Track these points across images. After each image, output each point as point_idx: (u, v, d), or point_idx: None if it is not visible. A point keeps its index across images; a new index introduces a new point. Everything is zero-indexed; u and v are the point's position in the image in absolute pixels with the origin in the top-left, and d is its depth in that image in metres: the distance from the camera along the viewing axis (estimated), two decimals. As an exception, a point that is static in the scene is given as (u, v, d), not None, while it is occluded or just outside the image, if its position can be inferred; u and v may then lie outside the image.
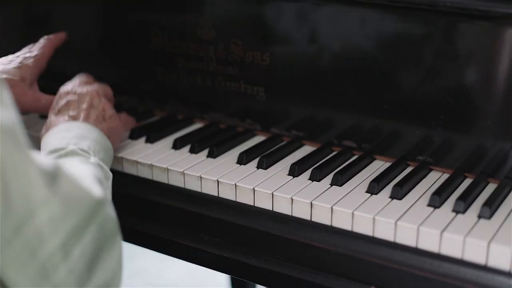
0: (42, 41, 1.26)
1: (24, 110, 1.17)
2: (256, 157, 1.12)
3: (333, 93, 1.14)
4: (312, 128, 1.18)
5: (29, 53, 1.22)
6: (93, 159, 0.92)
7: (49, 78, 1.50)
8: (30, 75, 1.18)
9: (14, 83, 1.14)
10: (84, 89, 1.09)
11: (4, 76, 1.14)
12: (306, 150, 1.17)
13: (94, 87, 1.11)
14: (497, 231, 0.89)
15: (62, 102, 1.06)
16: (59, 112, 1.05)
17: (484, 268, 0.86)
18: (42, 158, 0.70)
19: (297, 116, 1.19)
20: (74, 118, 1.03)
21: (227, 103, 1.25)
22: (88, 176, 0.82)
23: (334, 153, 1.15)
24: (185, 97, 1.30)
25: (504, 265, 0.85)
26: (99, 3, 1.37)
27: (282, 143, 1.19)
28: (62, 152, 0.91)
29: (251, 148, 1.15)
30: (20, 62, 1.19)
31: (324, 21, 1.12)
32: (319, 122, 1.17)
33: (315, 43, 1.14)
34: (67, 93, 1.08)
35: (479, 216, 0.92)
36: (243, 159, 1.11)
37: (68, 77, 1.47)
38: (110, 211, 0.78)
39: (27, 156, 0.68)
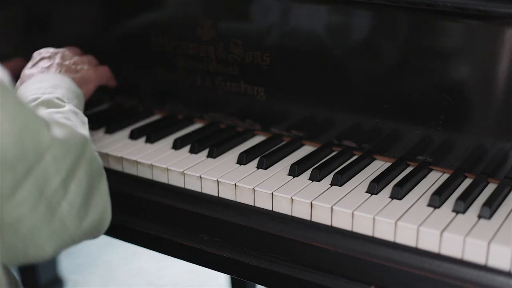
0: None
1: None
2: (256, 157, 1.12)
3: (333, 93, 1.14)
4: (312, 128, 1.18)
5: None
6: (68, 106, 0.98)
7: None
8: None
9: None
10: (55, 50, 1.18)
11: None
12: (306, 150, 1.17)
13: (64, 48, 1.20)
14: (497, 231, 0.89)
15: (36, 59, 1.15)
16: (33, 66, 1.13)
17: (484, 268, 0.86)
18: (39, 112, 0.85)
19: (297, 116, 1.19)
20: (48, 69, 1.12)
21: (227, 103, 1.25)
22: (70, 123, 0.91)
23: (334, 153, 1.15)
24: (185, 97, 1.30)
25: (504, 265, 0.85)
26: (99, 3, 1.37)
27: (282, 143, 1.19)
28: (38, 101, 0.97)
29: (251, 148, 1.15)
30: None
31: (324, 21, 1.12)
32: (319, 122, 1.17)
33: (315, 43, 1.14)
34: (40, 53, 1.17)
35: (479, 216, 0.92)
36: (243, 159, 1.11)
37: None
38: (94, 151, 0.89)
39: (30, 109, 0.78)
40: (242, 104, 1.23)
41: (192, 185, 1.08)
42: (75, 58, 1.18)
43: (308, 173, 1.06)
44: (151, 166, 1.12)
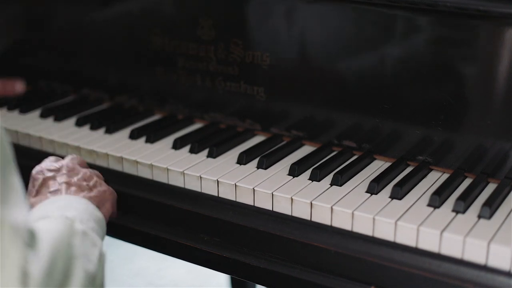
0: None
1: None
2: (256, 157, 1.12)
3: (333, 93, 1.14)
4: (312, 128, 1.18)
5: None
6: (79, 226, 0.84)
7: (50, 78, 1.50)
8: None
9: None
10: (57, 163, 1.01)
11: None
12: (306, 150, 1.17)
13: (67, 159, 1.04)
14: (497, 231, 0.88)
15: (38, 182, 0.98)
16: (38, 193, 0.97)
17: (484, 268, 0.86)
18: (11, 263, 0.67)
19: (297, 116, 1.19)
20: (56, 193, 0.95)
21: (227, 103, 1.25)
22: (47, 248, 0.73)
23: (334, 153, 1.15)
24: (185, 97, 1.30)
25: (504, 265, 0.85)
26: (99, 3, 1.37)
27: (282, 143, 1.19)
28: (47, 215, 0.84)
29: (251, 148, 1.15)
30: None
31: (324, 21, 1.12)
32: (319, 122, 1.17)
33: (315, 43, 1.14)
34: (40, 172, 1.00)
35: (479, 216, 0.92)
36: (243, 159, 1.11)
37: (68, 77, 1.48)
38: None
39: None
40: (242, 104, 1.23)
41: (192, 185, 1.08)
42: (83, 172, 1.01)
43: (308, 173, 1.06)
44: (151, 166, 1.12)
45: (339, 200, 0.98)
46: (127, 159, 1.14)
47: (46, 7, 1.43)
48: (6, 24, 1.50)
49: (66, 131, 1.26)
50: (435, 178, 1.06)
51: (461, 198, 0.95)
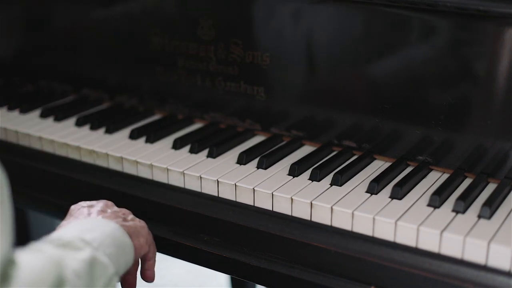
0: None
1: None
2: (256, 157, 1.12)
3: (333, 93, 1.14)
4: (312, 128, 1.18)
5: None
6: (88, 252, 0.81)
7: (50, 78, 1.50)
8: None
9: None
10: (93, 202, 1.01)
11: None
12: (306, 150, 1.17)
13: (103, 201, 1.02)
14: (497, 231, 0.88)
15: (74, 212, 0.98)
16: (71, 217, 0.97)
17: (484, 268, 0.86)
18: None
19: (297, 116, 1.19)
20: (90, 215, 0.96)
21: (227, 103, 1.25)
22: (23, 279, 0.70)
23: (334, 153, 1.15)
24: (185, 97, 1.30)
25: (504, 265, 0.85)
26: (99, 3, 1.37)
27: (282, 143, 1.19)
28: (59, 243, 0.81)
29: (251, 148, 1.15)
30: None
31: (323, 21, 1.11)
32: (319, 122, 1.17)
33: (315, 43, 1.14)
34: (78, 205, 1.00)
35: (479, 216, 0.92)
36: (243, 159, 1.11)
37: (68, 77, 1.48)
38: None
39: None
40: (242, 104, 1.23)
41: (192, 185, 1.08)
42: (120, 208, 1.01)
43: (308, 173, 1.06)
44: (151, 166, 1.12)
45: (339, 200, 0.98)
46: (127, 159, 1.14)
47: (46, 7, 1.43)
48: (6, 24, 1.50)
49: (66, 131, 1.26)
50: (435, 178, 1.06)
51: (461, 198, 0.95)
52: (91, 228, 0.87)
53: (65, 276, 0.75)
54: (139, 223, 0.99)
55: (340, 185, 1.03)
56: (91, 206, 0.99)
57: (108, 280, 0.83)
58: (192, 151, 1.15)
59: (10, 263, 0.68)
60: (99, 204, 0.99)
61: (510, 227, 0.89)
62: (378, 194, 1.00)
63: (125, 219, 0.97)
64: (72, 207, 1.00)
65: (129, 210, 1.07)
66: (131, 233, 0.94)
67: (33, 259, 0.74)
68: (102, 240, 0.85)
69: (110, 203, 1.01)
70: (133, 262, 0.95)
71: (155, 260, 1.04)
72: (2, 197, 0.66)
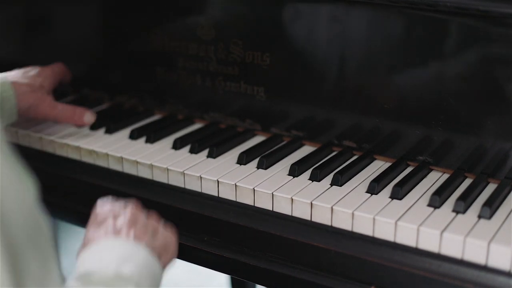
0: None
1: (41, 117, 1.21)
2: (256, 157, 1.12)
3: (333, 93, 1.14)
4: (312, 128, 1.18)
5: (37, 69, 1.27)
6: None
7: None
8: (48, 84, 1.23)
9: (34, 88, 1.19)
10: (122, 205, 0.95)
11: (26, 81, 1.19)
12: (306, 150, 1.17)
13: (131, 205, 0.95)
14: (497, 231, 0.89)
15: (100, 216, 0.92)
16: (98, 226, 0.89)
17: (484, 268, 0.86)
18: None
19: (297, 116, 1.19)
20: (116, 232, 0.87)
21: (227, 103, 1.25)
22: None
23: (334, 153, 1.15)
24: (185, 97, 1.30)
25: (504, 265, 0.85)
26: (99, 3, 1.37)
27: (282, 143, 1.19)
28: (95, 277, 0.77)
29: (251, 148, 1.15)
30: (38, 71, 1.24)
31: (323, 21, 1.12)
32: (319, 122, 1.17)
33: (314, 43, 1.14)
34: (103, 213, 0.93)
35: (479, 216, 0.92)
36: (243, 159, 1.11)
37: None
38: None
39: None
40: (242, 104, 1.23)
41: (192, 185, 1.08)
42: (147, 217, 0.93)
43: (308, 173, 1.06)
44: (151, 166, 1.12)
45: (339, 200, 0.98)
46: (127, 159, 1.14)
47: (46, 7, 1.43)
48: (6, 24, 1.50)
49: (66, 131, 1.26)
50: (435, 178, 1.06)
51: (461, 198, 0.95)
52: (126, 258, 0.82)
53: None
54: (168, 237, 0.93)
55: (340, 185, 1.03)
56: (118, 217, 0.90)
57: None
58: (192, 151, 1.15)
59: None
60: (126, 216, 0.90)
61: (510, 227, 0.89)
62: (378, 194, 1.00)
63: (154, 235, 0.90)
64: (98, 211, 0.93)
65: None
66: (161, 253, 0.89)
67: None
68: (140, 273, 0.81)
69: (137, 211, 0.93)
70: None
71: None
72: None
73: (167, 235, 0.93)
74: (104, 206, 0.93)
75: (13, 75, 1.21)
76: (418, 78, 1.06)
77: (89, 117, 1.23)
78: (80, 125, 1.23)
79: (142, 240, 0.87)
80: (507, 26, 0.96)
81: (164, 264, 0.91)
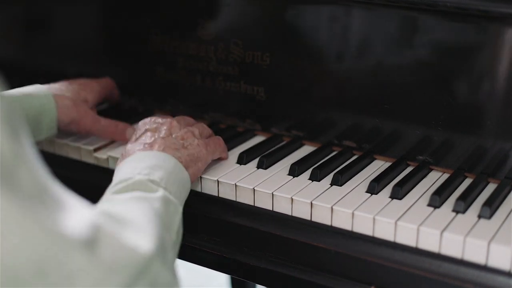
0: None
1: (84, 132, 1.17)
2: (256, 157, 1.12)
3: (333, 93, 1.14)
4: (312, 128, 1.18)
5: (82, 82, 1.22)
6: (161, 192, 0.85)
7: (50, 78, 1.50)
8: (92, 98, 1.20)
9: (77, 102, 1.15)
10: (162, 119, 1.05)
11: (69, 94, 1.15)
12: (306, 150, 1.17)
13: (174, 118, 1.06)
14: (497, 231, 0.89)
15: (140, 131, 1.03)
16: (136, 141, 1.00)
17: (484, 268, 0.86)
18: (78, 222, 0.65)
19: (297, 116, 1.19)
20: (150, 146, 0.97)
21: (227, 103, 1.25)
22: (141, 223, 0.75)
23: (334, 153, 1.15)
24: (185, 97, 1.30)
25: (504, 265, 0.85)
26: (99, 3, 1.37)
27: (282, 143, 1.19)
28: (129, 182, 0.85)
29: (251, 148, 1.15)
30: (84, 84, 1.20)
31: (323, 21, 1.12)
32: (319, 122, 1.17)
33: (314, 43, 1.14)
34: (146, 123, 1.04)
35: (479, 216, 0.92)
36: (243, 159, 1.11)
37: (68, 77, 1.47)
38: (162, 264, 0.73)
39: (57, 224, 0.63)
40: (242, 104, 1.23)
41: (192, 185, 1.07)
42: (184, 131, 1.02)
43: (308, 173, 1.06)
44: (151, 166, 1.11)
45: (339, 200, 0.98)
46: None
47: (46, 7, 1.43)
48: (6, 24, 1.50)
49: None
50: (435, 178, 1.06)
51: (461, 198, 0.95)
52: (156, 165, 0.90)
53: (162, 216, 0.81)
54: (200, 151, 1.01)
55: (340, 185, 1.03)
56: (156, 130, 1.01)
57: (179, 218, 0.88)
58: (192, 151, 1.15)
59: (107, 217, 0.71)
60: (163, 128, 1.01)
61: (510, 227, 0.89)
62: (378, 194, 1.00)
63: (184, 147, 0.99)
64: (139, 126, 1.04)
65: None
66: (189, 164, 0.98)
67: (135, 206, 0.79)
68: (168, 179, 0.89)
69: (175, 123, 1.03)
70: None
71: (226, 153, 1.11)
72: None
73: (199, 149, 1.01)
74: (145, 122, 1.04)
75: (57, 87, 1.16)
76: (418, 78, 1.06)
77: (130, 133, 1.18)
78: (121, 140, 1.19)
79: (172, 152, 0.96)
80: (507, 26, 0.97)
81: (193, 173, 0.99)
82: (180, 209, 0.89)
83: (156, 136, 0.99)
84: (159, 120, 1.04)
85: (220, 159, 1.11)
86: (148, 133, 1.00)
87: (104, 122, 1.17)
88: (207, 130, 1.09)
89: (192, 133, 1.03)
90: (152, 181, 0.86)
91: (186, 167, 0.97)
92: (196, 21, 1.23)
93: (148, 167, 0.89)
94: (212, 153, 1.05)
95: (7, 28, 1.50)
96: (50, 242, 0.62)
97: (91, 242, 0.65)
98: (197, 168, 1.01)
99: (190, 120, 1.09)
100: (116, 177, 0.89)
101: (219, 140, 1.09)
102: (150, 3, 1.30)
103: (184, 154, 0.98)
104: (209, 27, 1.22)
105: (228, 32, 1.20)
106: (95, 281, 0.64)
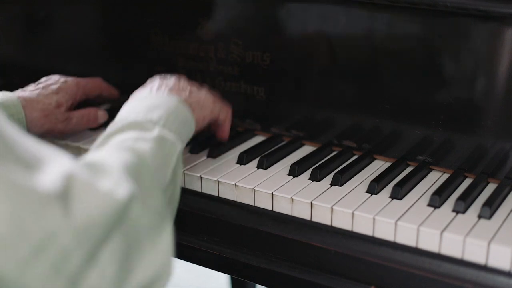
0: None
1: (59, 136, 1.17)
2: (256, 157, 1.12)
3: (333, 93, 1.14)
4: (312, 128, 1.18)
5: (58, 83, 1.18)
6: (156, 131, 0.85)
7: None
8: (67, 100, 1.16)
9: (47, 112, 1.12)
10: (176, 76, 1.06)
11: (39, 105, 1.11)
12: (306, 150, 1.17)
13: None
14: (497, 231, 0.89)
15: (150, 80, 1.05)
16: (144, 87, 1.02)
17: (484, 268, 0.86)
18: (50, 177, 0.64)
19: (297, 116, 1.19)
20: (157, 89, 0.98)
21: (227, 103, 1.25)
22: (117, 169, 0.73)
23: (334, 153, 1.15)
24: (185, 97, 1.30)
25: (504, 265, 0.85)
26: (99, 3, 1.37)
27: (282, 143, 1.19)
28: (124, 123, 0.85)
29: (251, 148, 1.15)
30: (58, 86, 1.16)
31: (323, 21, 1.12)
32: (319, 122, 1.17)
33: (315, 43, 1.14)
34: (157, 76, 1.05)
35: (479, 216, 0.92)
36: (243, 159, 1.11)
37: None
38: (142, 208, 0.71)
39: (30, 182, 0.63)
40: (242, 104, 1.23)
41: (193, 185, 1.08)
42: (192, 83, 1.04)
43: (308, 173, 1.06)
44: (151, 166, 1.11)
45: (339, 200, 0.98)
46: (127, 159, 1.14)
47: (46, 7, 1.43)
48: (6, 24, 1.50)
49: (66, 131, 1.26)
50: (435, 178, 1.06)
51: (461, 198, 0.95)
52: (156, 105, 0.91)
53: (146, 160, 0.79)
54: (207, 99, 1.02)
55: (340, 185, 1.03)
56: (164, 79, 1.02)
57: (178, 156, 0.88)
58: (192, 151, 1.15)
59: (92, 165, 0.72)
60: (171, 80, 1.02)
61: (510, 227, 0.89)
62: (378, 194, 1.00)
63: (191, 92, 1.00)
64: (154, 77, 1.04)
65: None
66: (194, 107, 0.98)
67: (115, 154, 0.77)
68: (167, 117, 0.89)
69: (182, 79, 1.04)
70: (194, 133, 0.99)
71: (229, 120, 1.11)
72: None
73: (206, 97, 1.02)
74: (157, 76, 1.05)
75: (27, 95, 1.11)
76: (418, 78, 1.06)
77: (101, 116, 1.20)
78: (96, 126, 1.20)
79: (177, 93, 0.97)
80: (507, 26, 0.97)
81: (198, 118, 0.99)
82: (179, 148, 0.88)
83: (164, 82, 1.01)
84: (171, 76, 1.05)
85: (221, 159, 1.11)
86: (157, 81, 1.01)
87: (76, 118, 1.16)
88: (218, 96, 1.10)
89: (199, 87, 1.04)
90: (150, 120, 0.86)
91: (192, 110, 0.97)
92: (196, 21, 1.23)
93: (147, 106, 0.89)
94: (219, 109, 1.07)
95: (7, 28, 1.50)
96: (25, 199, 0.62)
97: (64, 193, 0.64)
98: (202, 115, 1.01)
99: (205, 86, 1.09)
100: (116, 117, 0.89)
101: (227, 105, 1.10)
102: (150, 3, 1.30)
103: (189, 97, 0.98)
104: (209, 27, 1.22)
105: (228, 32, 1.20)
106: (73, 233, 0.63)
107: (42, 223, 0.62)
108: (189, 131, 0.96)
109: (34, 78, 1.50)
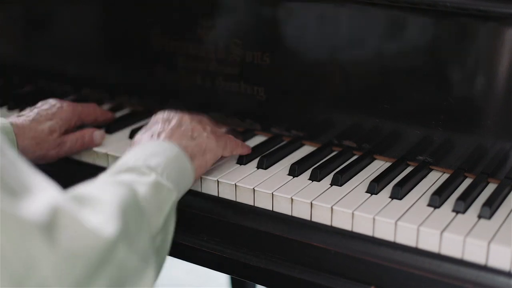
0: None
1: (54, 160, 1.14)
2: (256, 157, 1.12)
3: (333, 93, 1.14)
4: (312, 128, 1.18)
5: (54, 108, 1.15)
6: (153, 177, 0.85)
7: (50, 78, 1.50)
8: (60, 125, 1.13)
9: (39, 140, 1.10)
10: (175, 114, 1.04)
11: (31, 133, 1.09)
12: (306, 150, 1.17)
13: (192, 116, 1.05)
14: (497, 231, 0.89)
15: (152, 121, 1.03)
16: (146, 131, 1.01)
17: (484, 268, 0.86)
18: (36, 206, 0.63)
19: (297, 116, 1.19)
20: (158, 135, 0.98)
21: (227, 103, 1.25)
22: (106, 205, 0.73)
23: (334, 153, 1.15)
24: (185, 97, 1.30)
25: (504, 265, 0.85)
26: (99, 3, 1.37)
27: (282, 143, 1.19)
28: (123, 167, 0.86)
29: (251, 148, 1.15)
30: (54, 112, 1.14)
31: (323, 21, 1.12)
32: (319, 122, 1.17)
33: (315, 43, 1.14)
34: (158, 117, 1.04)
35: (479, 216, 0.92)
36: (243, 159, 1.11)
37: (68, 77, 1.48)
38: (129, 249, 0.70)
39: (14, 209, 0.61)
40: (242, 104, 1.23)
41: (193, 185, 1.08)
42: (194, 123, 1.02)
43: (308, 173, 1.06)
44: (151, 166, 1.11)
45: (339, 200, 0.98)
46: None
47: (46, 7, 1.43)
48: (6, 23, 1.50)
49: (66, 131, 1.26)
50: (435, 178, 1.06)
51: (461, 198, 0.95)
52: (156, 153, 0.91)
53: (139, 201, 0.79)
54: (209, 143, 1.00)
55: (340, 185, 1.03)
56: (166, 121, 1.01)
57: (172, 205, 0.87)
58: (192, 151, 1.15)
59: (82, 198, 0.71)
60: (174, 121, 1.01)
61: (510, 227, 0.89)
62: (378, 194, 1.00)
63: (192, 138, 0.99)
64: (153, 119, 1.04)
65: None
66: (195, 153, 0.98)
67: (107, 188, 0.77)
68: (166, 165, 0.89)
69: (186, 116, 1.02)
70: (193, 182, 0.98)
71: (240, 150, 1.09)
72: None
73: (209, 141, 1.00)
74: (159, 114, 1.04)
75: (20, 122, 1.09)
76: (418, 78, 1.06)
77: (98, 137, 1.17)
78: (93, 146, 1.17)
79: (179, 141, 0.96)
80: (507, 26, 0.97)
81: (200, 164, 0.99)
82: (174, 197, 0.88)
83: (166, 126, 1.00)
84: (172, 113, 1.04)
85: (222, 158, 1.11)
86: (159, 124, 1.01)
87: (70, 142, 1.14)
88: (221, 130, 1.09)
89: (202, 127, 1.02)
90: (148, 166, 0.86)
91: (192, 158, 0.96)
92: (196, 21, 1.23)
93: (147, 154, 0.90)
94: (223, 148, 1.04)
95: (7, 28, 1.50)
96: (9, 227, 0.60)
97: (49, 225, 0.63)
98: (205, 160, 1.00)
99: (206, 120, 1.07)
100: (117, 163, 0.89)
101: (230, 137, 1.08)
102: (150, 3, 1.30)
103: (191, 144, 0.97)
104: (209, 27, 1.22)
105: (228, 32, 1.20)
106: (55, 266, 0.62)
107: (24, 252, 0.61)
108: (187, 182, 0.95)
109: (34, 78, 1.51)
